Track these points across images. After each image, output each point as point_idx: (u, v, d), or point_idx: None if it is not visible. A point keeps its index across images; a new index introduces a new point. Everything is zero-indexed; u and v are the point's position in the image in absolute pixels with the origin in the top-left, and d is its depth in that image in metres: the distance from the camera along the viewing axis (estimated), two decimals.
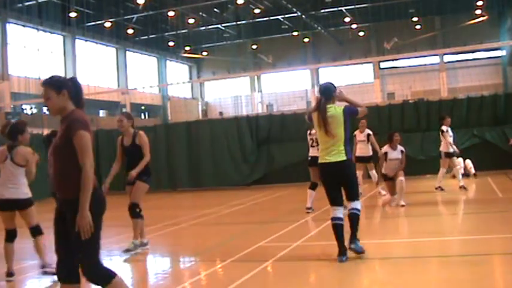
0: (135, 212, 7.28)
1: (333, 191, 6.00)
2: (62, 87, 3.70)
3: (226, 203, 13.04)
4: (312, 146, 9.89)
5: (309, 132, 10.05)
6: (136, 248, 7.28)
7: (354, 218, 6.01)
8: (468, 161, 15.10)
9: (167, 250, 7.78)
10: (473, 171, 15.04)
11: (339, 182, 5.98)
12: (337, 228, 5.91)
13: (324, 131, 5.93)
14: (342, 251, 5.80)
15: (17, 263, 7.09)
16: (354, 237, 5.98)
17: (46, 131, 24.16)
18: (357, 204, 6.05)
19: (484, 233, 7.12)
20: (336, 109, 6.05)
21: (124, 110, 43.87)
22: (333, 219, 5.95)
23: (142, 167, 7.17)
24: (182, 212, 12.12)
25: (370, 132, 12.13)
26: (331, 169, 5.93)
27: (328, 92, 6.16)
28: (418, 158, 15.96)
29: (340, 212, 5.97)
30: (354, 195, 6.06)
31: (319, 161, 6.08)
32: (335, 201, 5.99)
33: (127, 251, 7.25)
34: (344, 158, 5.89)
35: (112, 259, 7.33)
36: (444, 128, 12.09)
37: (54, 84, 3.71)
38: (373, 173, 11.95)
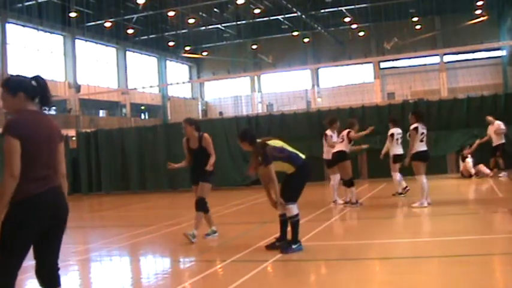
0: (201, 205, 7.93)
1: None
2: (17, 90, 3.52)
3: (226, 203, 13.04)
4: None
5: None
6: (194, 237, 7.62)
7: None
8: (481, 165, 14.94)
9: (167, 250, 7.78)
10: (487, 171, 14.75)
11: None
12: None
13: None
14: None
15: None
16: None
17: None
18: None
19: (484, 233, 7.12)
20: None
21: (124, 110, 43.99)
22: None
23: (212, 164, 8.04)
24: (182, 212, 12.10)
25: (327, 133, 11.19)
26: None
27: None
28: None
29: None
30: None
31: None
32: None
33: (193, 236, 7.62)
34: None
35: (112, 259, 7.34)
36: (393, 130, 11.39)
37: (10, 86, 3.55)
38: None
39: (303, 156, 6.74)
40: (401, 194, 11.40)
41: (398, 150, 11.37)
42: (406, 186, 11.52)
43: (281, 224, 6.69)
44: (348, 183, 10.49)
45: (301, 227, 6.60)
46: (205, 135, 8.04)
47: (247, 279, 5.33)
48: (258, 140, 6.70)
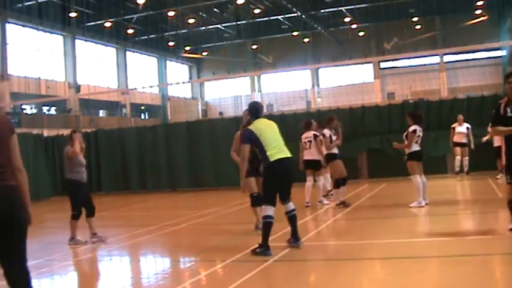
0: (258, 200, 7.71)
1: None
2: None
3: (226, 203, 13.04)
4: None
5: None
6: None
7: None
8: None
9: (167, 250, 7.78)
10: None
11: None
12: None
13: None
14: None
15: None
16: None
17: (46, 131, 24.21)
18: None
19: (484, 233, 7.12)
20: None
21: (124, 110, 43.98)
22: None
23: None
24: (182, 212, 12.11)
25: (317, 134, 11.05)
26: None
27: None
28: None
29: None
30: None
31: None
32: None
33: (258, 228, 7.63)
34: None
35: (112, 259, 7.34)
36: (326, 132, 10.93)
37: None
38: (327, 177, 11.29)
39: (281, 156, 6.44)
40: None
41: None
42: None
43: (288, 220, 6.66)
44: (339, 183, 10.46)
45: (301, 227, 6.59)
46: None
47: (247, 279, 5.33)
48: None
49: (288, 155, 6.57)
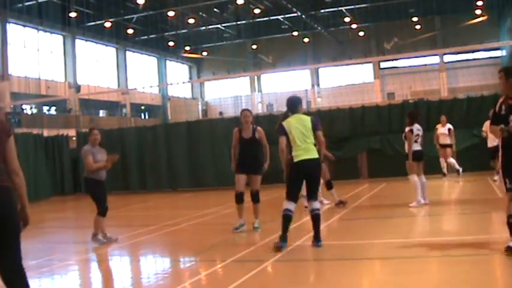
0: (257, 198, 8.39)
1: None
2: None
3: (226, 203, 13.02)
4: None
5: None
6: (260, 226, 8.26)
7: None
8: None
9: (167, 250, 7.78)
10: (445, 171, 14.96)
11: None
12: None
13: None
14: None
15: None
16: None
17: (46, 131, 24.19)
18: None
19: (484, 233, 7.12)
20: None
21: (124, 110, 43.97)
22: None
23: (267, 159, 8.51)
24: (182, 212, 12.11)
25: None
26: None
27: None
28: None
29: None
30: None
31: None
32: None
33: (256, 228, 8.22)
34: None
35: (112, 259, 7.34)
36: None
37: None
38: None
39: (305, 157, 6.64)
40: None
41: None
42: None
43: (311, 219, 6.80)
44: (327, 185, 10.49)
45: (301, 227, 6.60)
46: (259, 128, 8.54)
47: (247, 279, 5.33)
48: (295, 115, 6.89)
49: (313, 156, 6.72)
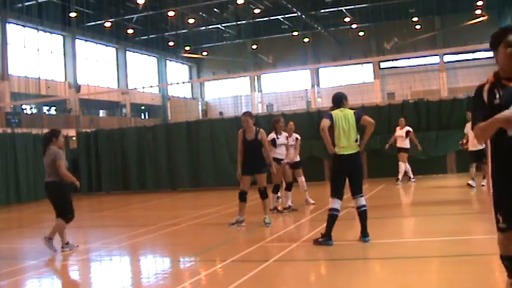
0: (265, 194, 8.74)
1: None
2: None
3: (226, 203, 13.03)
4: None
5: None
6: (271, 222, 8.58)
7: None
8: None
9: (167, 250, 7.78)
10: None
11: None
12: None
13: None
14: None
15: (17, 262, 7.10)
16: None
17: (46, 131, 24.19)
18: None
19: (484, 233, 7.11)
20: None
21: (124, 110, 43.98)
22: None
23: (271, 161, 8.90)
24: (182, 212, 12.12)
25: (298, 137, 11.10)
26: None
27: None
28: (418, 158, 15.96)
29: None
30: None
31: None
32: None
33: (267, 224, 8.51)
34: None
35: (112, 259, 7.34)
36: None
37: None
38: (302, 179, 11.24)
39: (348, 152, 6.70)
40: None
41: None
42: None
43: (357, 216, 6.89)
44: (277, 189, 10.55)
45: (301, 227, 6.60)
46: (262, 130, 8.76)
47: (247, 279, 5.33)
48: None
49: (354, 150, 6.78)
